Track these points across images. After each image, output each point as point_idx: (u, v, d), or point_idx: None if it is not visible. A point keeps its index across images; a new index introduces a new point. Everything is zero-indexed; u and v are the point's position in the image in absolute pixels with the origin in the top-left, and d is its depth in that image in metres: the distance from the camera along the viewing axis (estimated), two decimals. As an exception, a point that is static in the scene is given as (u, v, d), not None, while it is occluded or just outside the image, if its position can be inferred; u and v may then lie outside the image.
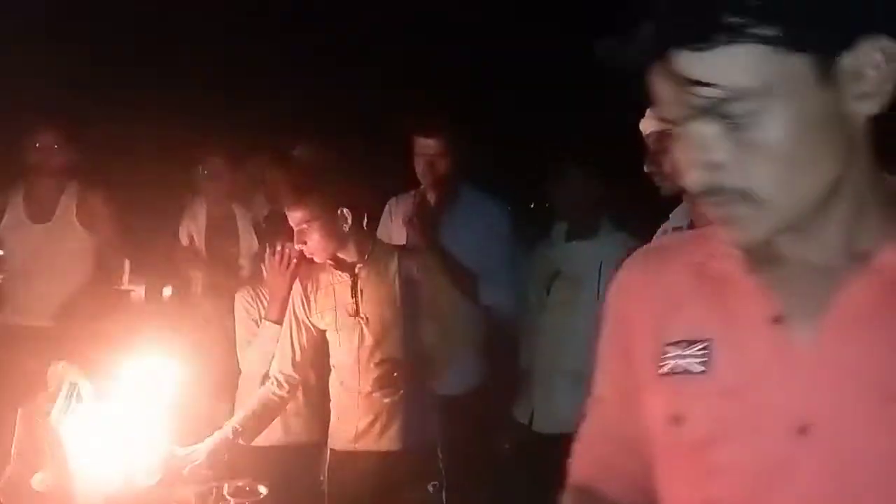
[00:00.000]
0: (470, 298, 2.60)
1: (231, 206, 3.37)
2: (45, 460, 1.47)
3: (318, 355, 2.38)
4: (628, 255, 2.61)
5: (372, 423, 2.26)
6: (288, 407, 2.46)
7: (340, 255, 2.29)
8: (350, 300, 2.27)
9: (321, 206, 2.20)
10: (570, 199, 2.56)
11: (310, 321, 2.34)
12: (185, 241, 3.27)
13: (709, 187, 0.75)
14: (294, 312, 2.35)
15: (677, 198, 2.01)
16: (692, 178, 0.76)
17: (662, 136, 1.93)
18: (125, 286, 4.58)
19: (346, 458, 2.31)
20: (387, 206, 3.01)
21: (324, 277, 2.33)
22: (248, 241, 3.37)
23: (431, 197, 2.85)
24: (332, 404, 2.36)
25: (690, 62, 0.71)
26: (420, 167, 2.80)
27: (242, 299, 2.63)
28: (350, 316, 2.27)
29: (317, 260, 2.28)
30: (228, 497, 2.25)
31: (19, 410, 1.59)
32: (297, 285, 2.37)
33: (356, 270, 2.28)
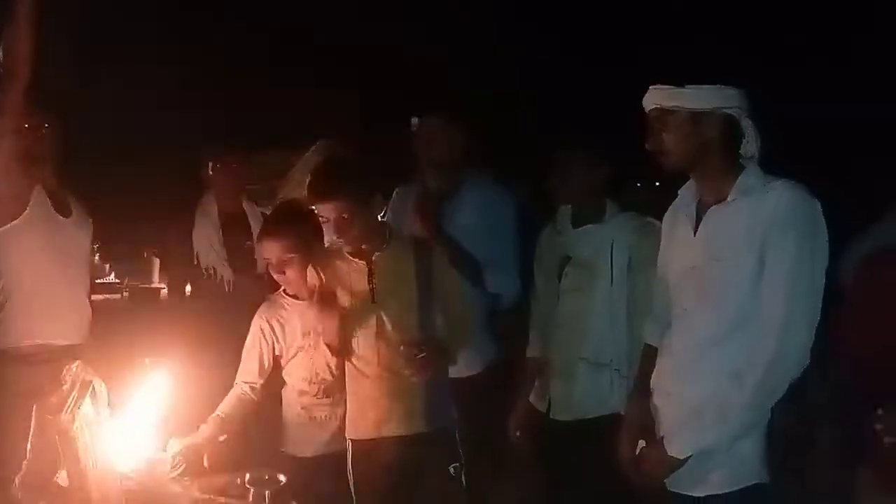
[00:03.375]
0: (476, 286, 2.61)
1: (241, 202, 3.40)
2: (61, 455, 1.51)
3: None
4: (643, 230, 2.63)
5: (391, 409, 2.29)
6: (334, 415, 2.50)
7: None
8: (366, 287, 2.30)
9: (359, 198, 2.23)
10: (575, 184, 2.53)
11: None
12: (199, 239, 3.30)
13: None
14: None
15: (680, 175, 2.00)
16: None
17: (662, 114, 1.93)
18: (155, 283, 4.66)
19: (367, 446, 2.33)
20: (394, 195, 3.02)
21: (339, 265, 2.35)
22: (260, 235, 3.40)
23: (434, 183, 2.84)
24: (348, 393, 2.38)
25: None
26: (418, 149, 2.78)
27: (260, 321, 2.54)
28: (366, 303, 2.30)
29: (347, 250, 2.32)
30: (248, 486, 2.29)
31: (34, 407, 1.63)
32: (310, 270, 2.39)
33: (373, 258, 2.31)
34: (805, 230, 1.81)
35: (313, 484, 2.43)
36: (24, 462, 1.64)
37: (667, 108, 1.91)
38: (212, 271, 3.27)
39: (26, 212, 2.67)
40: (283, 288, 2.56)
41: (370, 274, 2.31)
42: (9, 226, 2.65)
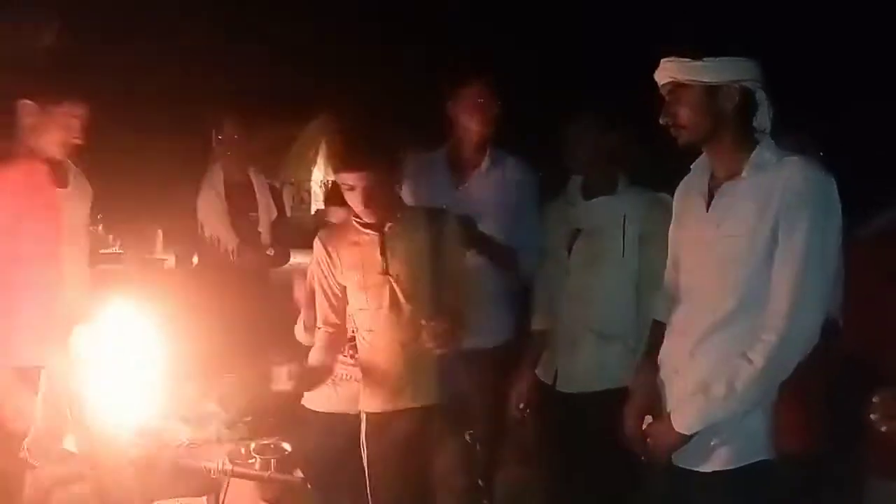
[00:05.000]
0: (510, 274, 2.60)
1: (247, 172, 3.39)
2: (69, 422, 1.51)
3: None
4: (654, 203, 2.58)
5: (403, 381, 2.27)
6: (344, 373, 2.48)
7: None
8: (379, 259, 2.26)
9: (386, 168, 2.20)
10: (588, 156, 2.52)
11: (333, 277, 2.33)
12: (205, 208, 3.29)
13: None
14: (320, 268, 2.34)
15: (692, 149, 1.98)
16: None
17: (677, 87, 1.90)
18: (158, 255, 4.68)
19: (381, 419, 2.30)
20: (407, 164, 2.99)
21: (350, 235, 2.31)
22: (266, 206, 3.40)
23: (466, 152, 2.78)
24: (360, 366, 2.36)
25: None
26: (463, 117, 2.73)
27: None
28: (379, 274, 2.27)
29: (363, 221, 2.26)
30: (255, 454, 2.30)
31: (42, 372, 1.63)
32: (317, 243, 2.35)
33: (385, 229, 2.27)
34: (818, 208, 1.79)
35: (323, 440, 2.44)
36: (32, 426, 1.65)
37: (682, 82, 1.88)
38: (216, 241, 3.27)
39: None
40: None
41: (382, 245, 2.27)
42: None
